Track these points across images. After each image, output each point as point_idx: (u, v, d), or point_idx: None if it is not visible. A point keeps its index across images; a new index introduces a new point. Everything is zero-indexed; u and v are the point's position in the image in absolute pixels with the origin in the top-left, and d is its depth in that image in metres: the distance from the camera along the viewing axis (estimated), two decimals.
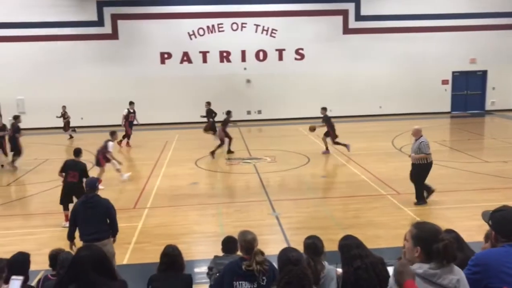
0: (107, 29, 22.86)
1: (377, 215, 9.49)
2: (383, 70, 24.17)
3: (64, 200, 9.36)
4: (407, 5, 23.78)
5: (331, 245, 4.86)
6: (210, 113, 18.39)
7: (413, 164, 10.00)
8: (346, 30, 24.04)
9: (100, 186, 9.41)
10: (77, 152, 9.78)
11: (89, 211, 6.37)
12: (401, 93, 24.39)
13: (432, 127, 20.74)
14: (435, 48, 24.15)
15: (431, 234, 2.95)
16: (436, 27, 24.05)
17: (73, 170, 9.33)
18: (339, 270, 4.34)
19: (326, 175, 12.84)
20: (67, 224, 8.90)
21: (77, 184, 9.19)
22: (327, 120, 15.61)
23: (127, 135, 18.05)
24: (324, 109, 16.03)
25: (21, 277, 3.57)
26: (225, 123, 16.05)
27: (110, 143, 12.45)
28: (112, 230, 6.58)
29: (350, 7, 23.89)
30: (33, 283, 5.56)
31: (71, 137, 19.95)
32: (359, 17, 23.98)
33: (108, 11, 22.74)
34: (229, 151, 15.95)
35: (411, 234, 3.02)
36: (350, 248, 4.13)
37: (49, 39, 22.38)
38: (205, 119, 18.92)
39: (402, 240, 3.26)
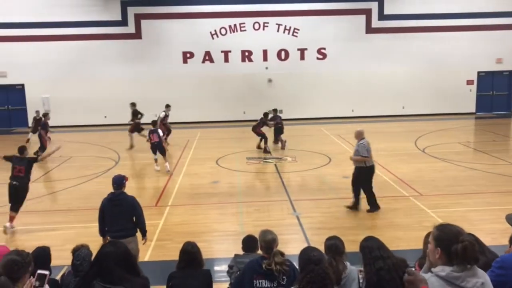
0: (130, 28, 23.14)
1: (399, 217, 9.39)
2: (406, 70, 23.88)
3: (12, 200, 9.27)
4: (432, 4, 23.44)
5: (352, 246, 4.82)
6: (136, 114, 17.78)
7: (355, 167, 9.86)
8: (369, 30, 23.83)
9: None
10: (22, 149, 9.68)
11: (115, 208, 6.45)
12: (425, 93, 24.06)
13: (456, 128, 20.43)
14: (460, 47, 23.75)
15: (451, 236, 2.92)
16: (461, 26, 23.63)
17: (19, 164, 9.33)
18: (361, 270, 4.31)
19: (348, 175, 12.73)
20: (10, 226, 9.00)
21: (22, 179, 9.25)
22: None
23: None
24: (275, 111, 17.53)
25: (46, 272, 3.65)
26: (261, 123, 16.53)
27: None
28: (140, 228, 6.62)
29: (374, 6, 23.66)
30: (57, 278, 5.68)
31: (28, 140, 17.75)
32: (382, 16, 23.74)
33: (131, 11, 23.01)
34: (259, 147, 16.29)
35: (433, 235, 2.99)
36: (372, 249, 4.09)
37: (73, 39, 22.78)
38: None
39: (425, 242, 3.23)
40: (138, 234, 6.70)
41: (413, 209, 9.82)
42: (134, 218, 6.58)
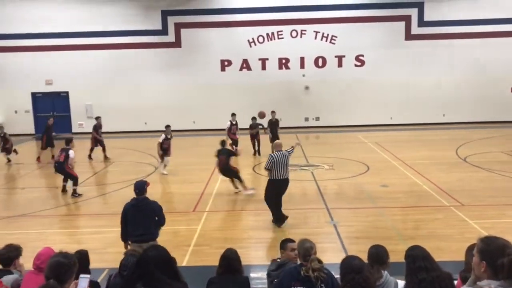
0: (170, 37, 23.63)
1: (439, 227, 9.17)
2: (447, 76, 23.35)
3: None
4: (474, 10, 22.86)
5: (391, 256, 4.76)
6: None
7: None
8: (409, 36, 23.46)
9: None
10: (67, 141, 12.66)
11: (138, 213, 6.58)
12: (467, 101, 23.44)
13: (500, 137, 19.77)
14: (503, 54, 23.02)
15: (497, 249, 2.84)
16: (504, 32, 22.93)
17: (61, 152, 12.30)
18: (401, 282, 4.24)
19: (386, 184, 12.55)
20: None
21: (60, 164, 12.12)
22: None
23: (234, 143, 18.10)
24: (273, 113, 17.68)
25: (88, 275, 3.77)
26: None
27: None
28: (159, 223, 6.81)
29: (413, 12, 23.29)
30: (99, 280, 5.85)
31: (9, 160, 17.11)
32: (422, 23, 23.33)
33: (172, 20, 23.51)
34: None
35: (477, 248, 2.92)
36: (416, 259, 4.01)
37: (115, 48, 23.45)
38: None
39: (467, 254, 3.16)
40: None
41: (454, 220, 9.57)
42: (156, 219, 6.75)
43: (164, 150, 14.35)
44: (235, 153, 12.76)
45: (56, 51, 23.42)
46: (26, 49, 23.49)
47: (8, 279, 4.59)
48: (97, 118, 17.80)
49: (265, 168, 9.38)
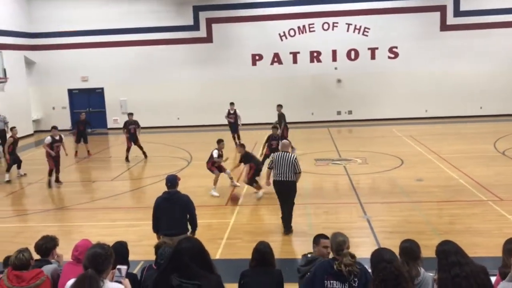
0: (202, 33, 23.79)
1: (476, 222, 8.95)
2: (484, 68, 22.63)
3: None
4: None
5: (425, 251, 4.68)
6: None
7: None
8: (444, 27, 22.85)
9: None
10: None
11: (170, 206, 6.62)
12: (504, 93, 22.66)
13: None
14: None
15: None
16: None
17: None
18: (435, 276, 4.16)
19: (421, 178, 12.32)
20: None
21: None
22: (281, 118, 16.53)
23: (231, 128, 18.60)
24: (279, 106, 17.18)
25: (125, 266, 3.87)
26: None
27: (215, 151, 11.99)
28: (191, 225, 6.80)
29: (449, 2, 22.67)
30: (135, 271, 5.98)
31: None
32: (458, 13, 22.68)
33: (203, 16, 23.66)
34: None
35: None
36: (449, 254, 3.92)
37: (149, 44, 23.79)
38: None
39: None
40: None
41: (492, 214, 9.33)
42: (188, 215, 6.75)
43: (218, 168, 12.17)
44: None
45: (91, 48, 23.95)
46: (63, 47, 24.11)
47: (47, 268, 4.75)
48: (129, 115, 17.37)
49: (268, 167, 9.03)
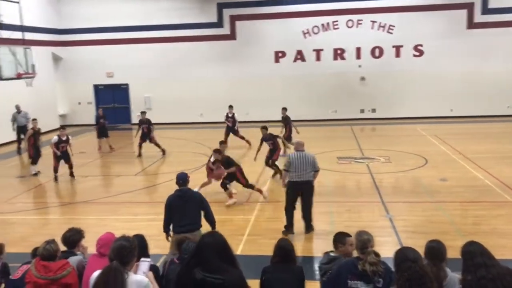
0: (226, 30, 23.86)
1: (502, 223, 8.78)
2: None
3: None
4: None
5: (449, 251, 4.60)
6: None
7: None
8: (471, 25, 22.41)
9: None
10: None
11: (184, 204, 6.62)
12: None
13: None
14: None
15: None
16: None
17: None
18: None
19: (445, 178, 12.14)
20: None
21: None
22: (286, 120, 16.27)
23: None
24: (284, 109, 16.64)
25: (149, 259, 3.93)
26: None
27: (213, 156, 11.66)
28: (210, 222, 6.78)
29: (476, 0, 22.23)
30: (157, 264, 6.05)
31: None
32: (486, 10, 22.21)
33: (227, 13, 23.73)
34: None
35: None
36: (474, 255, 3.85)
37: (172, 41, 23.97)
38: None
39: None
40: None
41: None
42: (201, 212, 6.75)
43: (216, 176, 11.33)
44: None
45: (117, 44, 24.27)
46: (89, 43, 24.52)
47: (73, 260, 4.85)
48: (142, 113, 17.39)
49: (284, 169, 8.67)
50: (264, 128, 13.56)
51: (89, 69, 24.61)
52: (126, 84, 24.96)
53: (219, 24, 23.86)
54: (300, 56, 23.71)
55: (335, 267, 4.50)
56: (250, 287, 3.64)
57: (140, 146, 16.73)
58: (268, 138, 13.25)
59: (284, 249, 4.71)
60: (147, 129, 16.82)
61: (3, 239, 8.46)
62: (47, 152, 14.65)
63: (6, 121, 18.13)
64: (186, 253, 4.78)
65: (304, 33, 23.47)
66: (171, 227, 6.79)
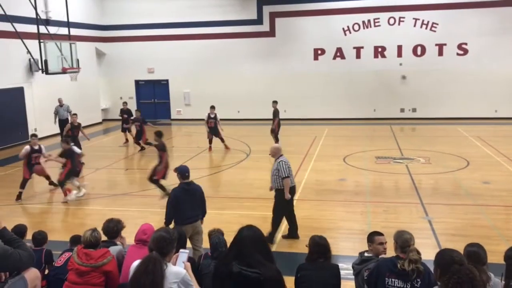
0: (265, 27, 23.89)
1: None
2: None
3: None
4: None
5: (490, 256, 4.49)
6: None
7: (276, 191, 8.20)
8: None
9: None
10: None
11: (190, 197, 6.90)
12: None
13: None
14: None
15: None
16: None
17: None
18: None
19: (488, 181, 11.77)
20: None
21: None
22: (275, 114, 16.38)
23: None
24: (275, 102, 16.78)
25: (187, 251, 4.00)
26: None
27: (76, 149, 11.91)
28: (203, 212, 7.20)
29: None
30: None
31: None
32: None
33: (267, 10, 23.74)
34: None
35: None
36: None
37: (212, 37, 24.21)
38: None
39: None
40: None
41: None
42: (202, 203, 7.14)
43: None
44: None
45: (158, 41, 24.73)
46: (131, 39, 25.07)
47: (113, 249, 5.01)
48: (136, 111, 17.77)
49: (285, 176, 8.01)
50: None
51: (130, 64, 25.17)
52: (166, 80, 25.39)
53: (258, 21, 23.91)
54: (339, 53, 23.46)
55: (373, 265, 4.46)
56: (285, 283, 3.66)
57: (137, 144, 17.22)
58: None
59: (321, 246, 4.70)
60: (139, 127, 17.12)
61: (47, 227, 8.80)
62: (88, 145, 15.04)
63: (51, 114, 18.77)
64: (218, 247, 4.85)
65: (344, 30, 23.20)
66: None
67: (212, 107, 17.22)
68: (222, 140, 16.86)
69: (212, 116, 16.92)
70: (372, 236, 5.04)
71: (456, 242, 7.36)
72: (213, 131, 16.85)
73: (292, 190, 8.23)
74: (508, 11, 21.58)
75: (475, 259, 4.06)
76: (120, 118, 18.68)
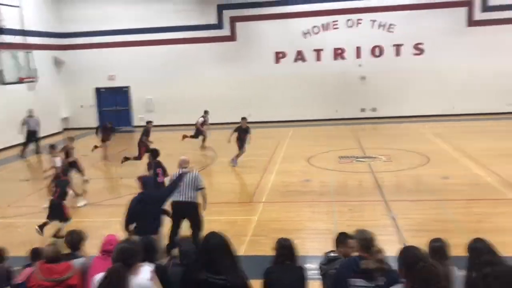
0: (226, 31, 23.92)
1: (505, 221, 8.79)
2: None
3: None
4: None
5: (454, 249, 4.64)
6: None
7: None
8: (471, 23, 22.40)
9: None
10: None
11: (148, 206, 6.75)
12: None
13: None
14: None
15: None
16: None
17: None
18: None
19: (448, 176, 12.15)
20: None
21: None
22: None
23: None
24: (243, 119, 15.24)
25: (153, 264, 3.95)
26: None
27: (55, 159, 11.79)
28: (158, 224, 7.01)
29: None
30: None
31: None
32: (486, 8, 22.19)
33: (227, 14, 23.78)
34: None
35: None
36: (481, 252, 3.86)
37: (173, 43, 24.02)
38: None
39: None
40: None
41: None
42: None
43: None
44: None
45: (117, 47, 24.34)
46: (91, 47, 24.56)
47: (77, 262, 4.90)
48: (148, 123, 16.55)
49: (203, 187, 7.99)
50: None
51: (91, 72, 24.65)
52: (127, 87, 25.02)
53: (219, 25, 23.91)
54: (300, 56, 23.74)
55: (337, 266, 4.51)
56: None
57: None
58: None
59: (286, 248, 4.73)
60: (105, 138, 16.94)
61: (6, 243, 8.51)
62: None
63: (9, 125, 18.18)
64: (188, 255, 4.81)
65: (304, 33, 23.50)
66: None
67: (207, 112, 18.75)
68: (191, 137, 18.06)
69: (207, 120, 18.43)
70: (345, 239, 5.07)
71: (420, 238, 7.55)
72: (201, 134, 18.13)
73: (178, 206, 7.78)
74: (459, 11, 22.36)
75: (440, 254, 4.18)
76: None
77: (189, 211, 7.78)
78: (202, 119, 18.47)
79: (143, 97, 24.73)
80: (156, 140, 16.10)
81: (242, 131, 14.77)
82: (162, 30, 23.94)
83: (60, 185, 9.32)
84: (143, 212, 6.72)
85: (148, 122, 16.45)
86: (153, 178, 7.20)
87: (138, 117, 25.03)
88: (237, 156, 14.59)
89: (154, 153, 10.35)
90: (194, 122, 19.07)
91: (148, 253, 4.53)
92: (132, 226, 6.76)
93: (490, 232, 8.05)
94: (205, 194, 7.97)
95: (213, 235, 3.58)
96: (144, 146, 15.06)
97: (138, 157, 14.96)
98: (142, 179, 7.14)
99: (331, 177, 12.80)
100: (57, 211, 9.10)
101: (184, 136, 18.33)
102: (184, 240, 5.42)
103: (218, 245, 3.41)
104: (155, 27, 23.96)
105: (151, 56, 24.11)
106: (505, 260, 3.92)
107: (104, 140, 17.07)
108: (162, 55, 24.06)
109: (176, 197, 7.66)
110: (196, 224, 7.75)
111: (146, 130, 15.97)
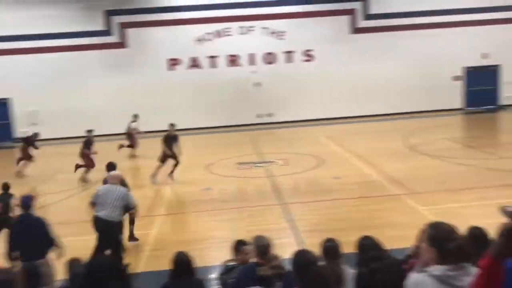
0: (115, 38, 23.02)
1: (392, 216, 9.38)
2: (394, 68, 23.89)
3: None
4: (418, 2, 23.44)
5: (347, 247, 4.78)
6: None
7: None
8: (354, 30, 23.90)
9: None
10: None
11: (26, 230, 6.16)
12: (413, 91, 24.05)
13: (446, 125, 20.56)
14: (447, 44, 23.75)
15: (445, 234, 2.88)
16: (447, 23, 23.69)
17: None
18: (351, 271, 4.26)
19: (339, 176, 12.75)
20: None
21: None
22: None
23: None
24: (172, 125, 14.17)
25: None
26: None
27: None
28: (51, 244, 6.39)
29: (358, 6, 23.74)
30: None
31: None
32: (367, 16, 23.83)
33: (116, 20, 22.91)
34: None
35: (426, 234, 2.95)
36: (369, 249, 4.04)
37: (57, 50, 22.60)
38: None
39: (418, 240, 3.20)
40: None
41: (405, 207, 9.82)
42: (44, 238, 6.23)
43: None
44: None
45: None
46: None
47: None
48: (89, 131, 15.42)
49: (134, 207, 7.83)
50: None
51: None
52: (6, 99, 23.00)
53: (108, 32, 22.95)
54: (194, 63, 23.60)
55: (236, 275, 4.45)
56: None
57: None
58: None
59: (182, 263, 4.56)
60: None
61: None
62: None
63: None
64: (77, 279, 4.45)
65: (198, 40, 23.40)
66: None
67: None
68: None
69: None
70: (240, 246, 5.04)
71: (316, 238, 7.70)
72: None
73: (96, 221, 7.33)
74: (342, 19, 23.73)
75: (332, 253, 4.29)
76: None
77: (105, 229, 7.18)
78: (135, 123, 17.81)
79: (26, 109, 22.86)
80: (43, 156, 14.96)
81: (172, 139, 13.47)
82: (43, 37, 22.43)
83: None
84: (25, 235, 6.11)
85: (89, 131, 15.34)
86: (31, 197, 6.44)
87: (21, 131, 23.12)
88: (175, 166, 13.33)
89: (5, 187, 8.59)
90: (82, 134, 17.99)
91: (31, 280, 4.11)
92: (16, 253, 6.12)
93: (381, 227, 8.55)
94: (136, 214, 7.55)
95: (99, 258, 3.32)
96: (87, 157, 14.24)
97: (91, 166, 14.24)
98: (21, 199, 6.45)
99: (231, 184, 12.78)
100: None
101: (121, 146, 17.54)
102: (74, 262, 5.00)
103: (106, 265, 3.16)
104: (35, 34, 22.35)
105: (34, 65, 22.46)
106: (391, 254, 4.12)
107: None
108: (46, 63, 22.52)
109: (97, 211, 7.25)
110: (112, 246, 7.08)
111: (88, 140, 14.81)
